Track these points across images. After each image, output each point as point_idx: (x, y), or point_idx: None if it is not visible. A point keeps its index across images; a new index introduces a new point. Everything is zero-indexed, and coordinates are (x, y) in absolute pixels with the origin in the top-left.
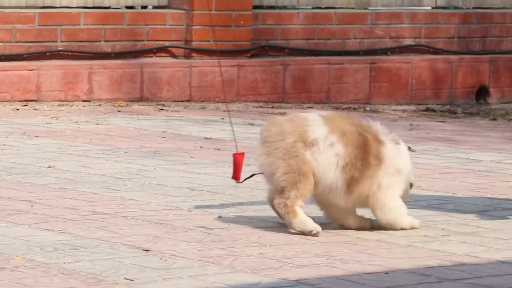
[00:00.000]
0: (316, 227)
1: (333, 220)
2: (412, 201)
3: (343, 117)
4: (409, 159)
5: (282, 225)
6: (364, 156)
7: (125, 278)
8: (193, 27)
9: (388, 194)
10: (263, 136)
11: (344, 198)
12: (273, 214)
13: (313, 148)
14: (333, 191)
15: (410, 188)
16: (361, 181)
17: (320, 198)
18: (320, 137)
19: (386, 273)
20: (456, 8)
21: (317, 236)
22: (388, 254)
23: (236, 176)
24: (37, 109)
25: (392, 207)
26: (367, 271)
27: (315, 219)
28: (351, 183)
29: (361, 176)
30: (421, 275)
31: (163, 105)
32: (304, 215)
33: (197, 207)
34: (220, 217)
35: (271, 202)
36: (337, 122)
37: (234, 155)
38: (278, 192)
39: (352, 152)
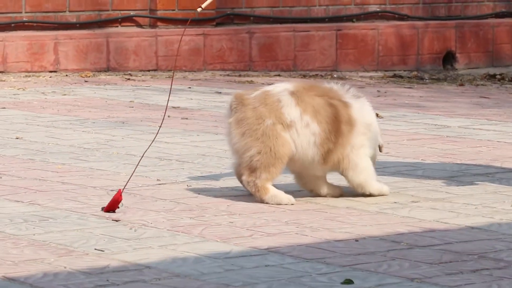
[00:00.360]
0: (290, 199)
1: (305, 188)
2: (380, 167)
3: (309, 89)
4: (372, 111)
5: (251, 194)
6: (337, 128)
7: (95, 249)
8: None
9: (360, 154)
10: (237, 117)
11: (321, 169)
12: None
13: (291, 130)
14: (311, 164)
15: (380, 151)
16: (336, 150)
17: (295, 170)
18: (296, 118)
19: (357, 240)
20: None
21: (292, 205)
22: (358, 221)
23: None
24: (4, 80)
25: (364, 167)
26: (337, 238)
27: (279, 187)
28: (327, 155)
29: (335, 146)
30: (391, 241)
31: (130, 74)
32: (274, 189)
33: (166, 176)
34: (189, 186)
35: (239, 177)
36: (306, 99)
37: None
38: (248, 170)
39: (326, 128)
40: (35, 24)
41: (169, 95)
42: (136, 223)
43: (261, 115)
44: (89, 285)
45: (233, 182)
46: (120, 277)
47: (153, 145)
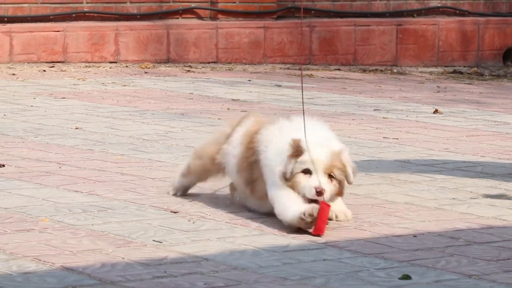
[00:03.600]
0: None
1: None
2: (440, 163)
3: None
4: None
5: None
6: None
7: (153, 240)
8: None
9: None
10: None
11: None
12: None
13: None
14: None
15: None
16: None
17: None
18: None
19: (415, 236)
20: None
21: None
22: (417, 217)
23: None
24: (64, 71)
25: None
26: (395, 233)
27: None
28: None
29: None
30: (450, 238)
31: (190, 66)
32: None
33: None
34: None
35: None
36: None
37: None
38: None
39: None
40: (95, 15)
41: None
42: (194, 215)
43: None
44: (146, 277)
45: None
46: (178, 269)
47: None
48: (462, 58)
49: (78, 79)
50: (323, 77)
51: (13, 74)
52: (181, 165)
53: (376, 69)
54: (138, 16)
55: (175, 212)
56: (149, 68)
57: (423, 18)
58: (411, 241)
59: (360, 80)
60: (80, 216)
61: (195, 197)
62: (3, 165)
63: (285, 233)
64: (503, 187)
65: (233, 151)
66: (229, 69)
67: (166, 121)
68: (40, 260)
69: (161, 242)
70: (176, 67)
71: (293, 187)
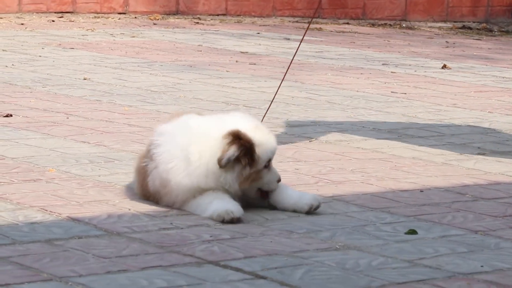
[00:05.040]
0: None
1: None
2: (447, 119)
3: None
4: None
5: (317, 140)
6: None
7: None
8: None
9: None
10: None
11: None
12: (309, 129)
13: None
14: None
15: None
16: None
17: None
18: None
19: (421, 191)
20: None
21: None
22: (424, 172)
23: None
24: (73, 21)
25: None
26: (402, 188)
27: None
28: None
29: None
30: (456, 193)
31: (199, 18)
32: None
33: None
34: None
35: None
36: None
37: None
38: None
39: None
40: None
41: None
42: None
43: None
44: (153, 228)
45: (300, 130)
46: (184, 221)
47: (220, 90)
48: (472, 14)
49: (87, 30)
50: (331, 31)
51: (22, 24)
52: None
53: (385, 24)
54: None
55: None
56: (158, 19)
57: None
58: (417, 196)
59: (369, 34)
60: (87, 167)
61: None
62: (11, 115)
63: (292, 187)
64: (510, 143)
65: None
66: (238, 22)
67: (174, 73)
68: (46, 210)
69: None
70: (185, 19)
71: (251, 181)
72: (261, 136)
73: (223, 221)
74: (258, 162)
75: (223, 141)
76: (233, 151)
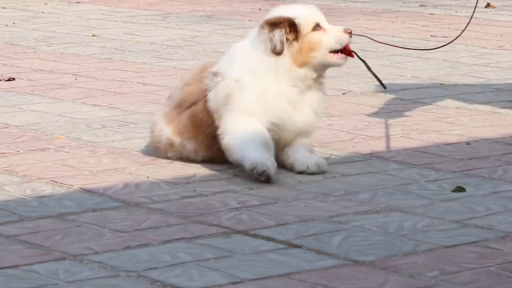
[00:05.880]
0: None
1: None
2: (494, 63)
3: (177, 105)
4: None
5: (351, 92)
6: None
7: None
8: None
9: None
10: None
11: None
12: (342, 81)
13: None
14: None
15: None
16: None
17: None
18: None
19: (468, 144)
20: None
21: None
22: (470, 122)
23: None
24: None
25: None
26: (447, 141)
27: None
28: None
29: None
30: (507, 144)
31: None
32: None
33: None
34: None
35: None
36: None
37: None
38: None
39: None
40: None
41: None
42: None
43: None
44: (174, 197)
45: (331, 82)
46: (208, 187)
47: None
48: None
49: None
50: None
51: None
52: None
53: None
54: None
55: None
56: None
57: None
58: (464, 149)
59: None
60: (99, 132)
61: None
62: (13, 79)
63: (326, 145)
64: None
65: None
66: None
67: (192, 25)
68: (56, 182)
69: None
70: None
71: (308, 51)
72: (295, 8)
73: (256, 173)
74: (301, 30)
75: (261, 34)
76: (278, 33)
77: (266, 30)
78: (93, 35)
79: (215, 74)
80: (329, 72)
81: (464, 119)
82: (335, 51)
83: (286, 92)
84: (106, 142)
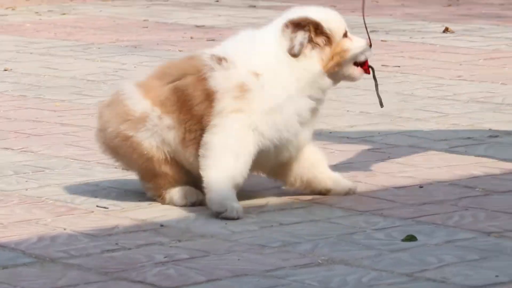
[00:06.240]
0: (187, 199)
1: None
2: (451, 95)
3: (157, 77)
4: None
5: None
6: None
7: (97, 206)
8: None
9: (228, 120)
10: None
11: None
12: None
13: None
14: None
15: None
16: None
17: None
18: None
19: (421, 187)
20: None
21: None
22: (423, 163)
23: None
24: None
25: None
26: (397, 184)
27: None
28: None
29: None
30: (464, 187)
31: None
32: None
33: None
34: None
35: None
36: (152, 89)
37: None
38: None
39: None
40: None
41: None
42: None
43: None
44: (94, 251)
45: None
46: (132, 239)
47: None
48: None
49: (6, 8)
50: None
51: None
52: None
53: None
54: None
55: (128, 170)
56: None
57: None
58: (416, 193)
59: None
60: (11, 179)
61: None
62: None
63: (262, 190)
64: None
65: None
66: None
67: (116, 56)
68: None
69: (107, 208)
70: None
71: (339, 58)
72: (323, 12)
73: (223, 217)
74: (334, 36)
75: (285, 33)
76: (301, 35)
77: (289, 29)
78: (5, 70)
79: (220, 59)
80: None
81: (417, 159)
82: (356, 64)
83: (304, 104)
84: (18, 190)
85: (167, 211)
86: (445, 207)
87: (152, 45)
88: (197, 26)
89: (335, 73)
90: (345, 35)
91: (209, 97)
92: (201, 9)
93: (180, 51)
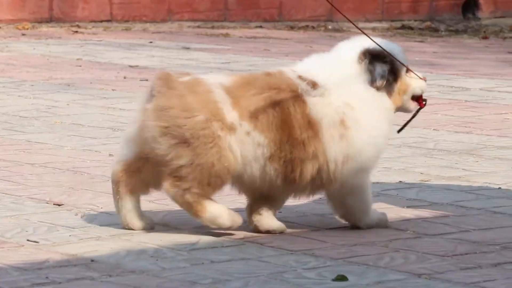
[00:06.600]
0: (235, 220)
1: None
2: None
3: (247, 85)
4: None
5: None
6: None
7: (27, 240)
8: None
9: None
10: (157, 104)
11: (282, 189)
12: None
13: (233, 135)
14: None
15: None
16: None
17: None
18: (236, 121)
19: (352, 228)
20: None
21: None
22: None
23: None
24: None
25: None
26: (329, 225)
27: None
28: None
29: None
30: (395, 229)
31: (78, 26)
32: (213, 206)
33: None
34: None
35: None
36: (242, 98)
37: None
38: (173, 177)
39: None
40: None
41: None
42: (82, 207)
43: (189, 108)
44: (24, 284)
45: None
46: (62, 274)
47: (105, 113)
48: (413, 11)
49: None
50: (241, 37)
51: None
52: (67, 147)
53: (307, 26)
54: None
55: (59, 205)
56: (27, 29)
57: None
58: (347, 234)
59: (286, 39)
60: None
61: (85, 184)
62: None
63: (194, 228)
64: (460, 166)
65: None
66: (126, 29)
67: (48, 94)
68: None
69: (38, 242)
70: (61, 27)
71: (402, 94)
72: (393, 47)
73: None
74: (401, 72)
75: (361, 64)
76: (380, 68)
77: (366, 60)
78: None
79: (313, 83)
80: None
81: None
82: (413, 98)
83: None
84: None
85: (98, 246)
86: (376, 248)
87: (85, 83)
88: (131, 66)
89: (396, 108)
90: (407, 70)
91: (312, 126)
92: (135, 49)
93: (113, 90)
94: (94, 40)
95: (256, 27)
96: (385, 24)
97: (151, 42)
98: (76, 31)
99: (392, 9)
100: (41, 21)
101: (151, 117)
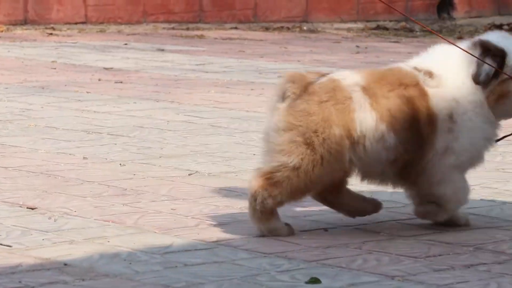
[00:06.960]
0: (290, 232)
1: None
2: None
3: (381, 80)
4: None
5: (198, 174)
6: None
7: (0, 244)
8: None
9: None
10: (294, 105)
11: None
12: (188, 160)
13: (357, 148)
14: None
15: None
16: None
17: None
18: (369, 129)
19: (326, 230)
20: None
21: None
22: (324, 207)
23: None
24: None
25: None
26: (302, 228)
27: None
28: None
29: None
30: (368, 231)
31: (53, 28)
32: (277, 219)
33: (94, 154)
34: (122, 165)
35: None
36: (378, 97)
37: None
38: (266, 178)
39: (404, 137)
40: None
41: None
42: (56, 211)
43: (329, 118)
44: None
45: (177, 161)
46: (35, 278)
47: (79, 115)
48: (388, 11)
49: None
50: (216, 38)
51: None
52: (41, 150)
53: (282, 27)
54: None
55: (32, 209)
56: (1, 31)
57: None
58: (321, 236)
59: (261, 40)
60: None
61: (58, 188)
62: None
63: (167, 231)
64: None
65: None
66: (100, 31)
67: (22, 97)
68: None
69: (11, 246)
70: (36, 29)
71: (498, 97)
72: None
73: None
74: (506, 71)
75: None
76: (489, 66)
77: (478, 51)
78: None
79: (429, 73)
80: (173, 150)
81: (319, 203)
82: None
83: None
84: None
85: (71, 250)
86: (349, 250)
87: (60, 86)
88: (106, 68)
89: (495, 111)
90: None
91: (432, 120)
92: (110, 51)
93: (88, 92)
94: (69, 42)
95: (231, 28)
96: (360, 25)
97: (126, 44)
98: (51, 33)
99: (367, 10)
100: (15, 24)
101: (283, 114)
